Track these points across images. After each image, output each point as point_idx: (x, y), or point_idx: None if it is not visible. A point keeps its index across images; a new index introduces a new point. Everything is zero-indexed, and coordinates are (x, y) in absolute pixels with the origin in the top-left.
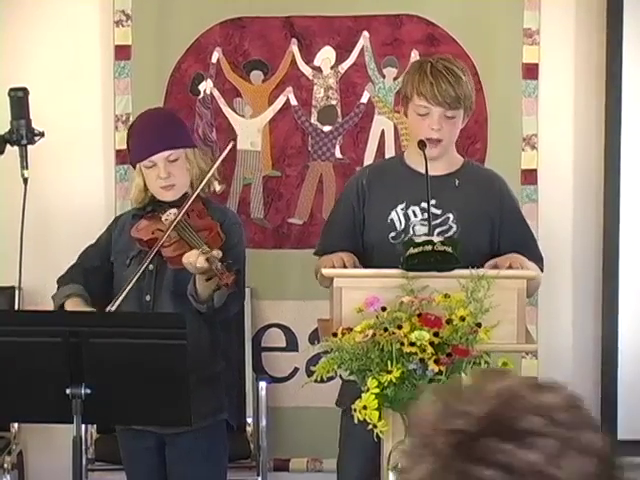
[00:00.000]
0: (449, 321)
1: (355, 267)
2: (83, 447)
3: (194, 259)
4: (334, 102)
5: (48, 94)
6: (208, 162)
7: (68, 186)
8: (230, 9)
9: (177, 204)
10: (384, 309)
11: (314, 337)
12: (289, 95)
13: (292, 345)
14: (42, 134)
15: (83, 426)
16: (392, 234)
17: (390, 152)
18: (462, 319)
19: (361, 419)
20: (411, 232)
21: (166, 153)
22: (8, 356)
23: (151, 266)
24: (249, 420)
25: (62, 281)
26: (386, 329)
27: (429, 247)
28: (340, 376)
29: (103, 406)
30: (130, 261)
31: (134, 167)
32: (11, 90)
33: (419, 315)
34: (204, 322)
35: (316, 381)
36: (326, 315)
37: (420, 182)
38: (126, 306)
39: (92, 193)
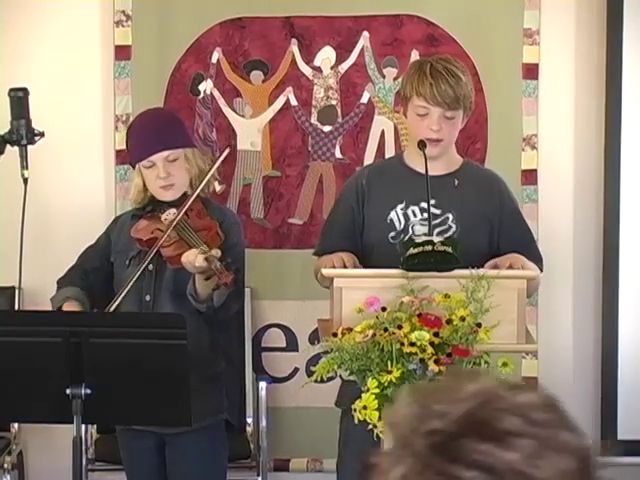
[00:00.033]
0: (449, 321)
1: (355, 267)
2: (83, 447)
3: (193, 258)
4: (334, 102)
5: (48, 94)
6: (207, 162)
7: (68, 186)
8: (230, 9)
9: (176, 204)
10: (384, 309)
11: (314, 337)
12: (289, 95)
13: (292, 345)
14: (42, 134)
15: (83, 426)
16: (391, 234)
17: (390, 152)
18: (462, 319)
19: (361, 419)
20: (410, 232)
21: (165, 153)
22: (8, 356)
23: (151, 266)
24: (249, 420)
25: (61, 283)
26: (386, 329)
27: (429, 247)
28: (340, 376)
29: (103, 406)
30: (129, 261)
31: (133, 167)
32: (11, 90)
33: (419, 315)
34: (204, 322)
35: (316, 381)
36: (326, 315)
37: (419, 182)
38: (126, 306)
39: (92, 193)
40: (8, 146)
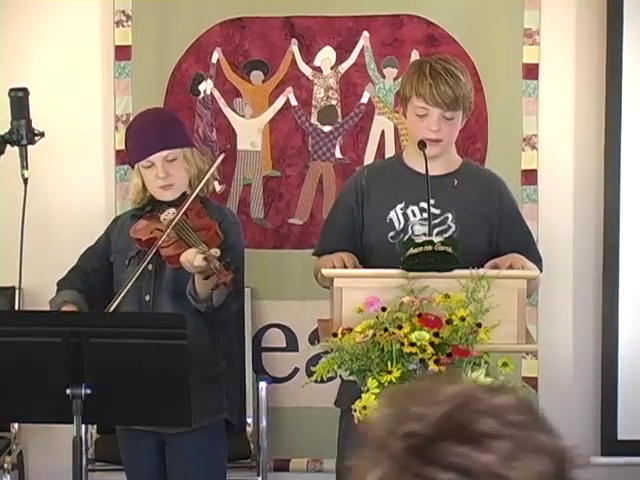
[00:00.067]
0: (449, 321)
1: (355, 267)
2: (83, 447)
3: (192, 257)
4: (334, 102)
5: (48, 94)
6: (206, 162)
7: (68, 186)
8: (230, 9)
9: (176, 204)
10: (384, 309)
11: (314, 337)
12: (289, 95)
13: (292, 345)
14: (42, 134)
15: (83, 426)
16: (391, 234)
17: (390, 152)
18: (462, 319)
19: (361, 419)
20: (410, 232)
21: (164, 153)
22: (8, 356)
23: (150, 266)
24: (249, 420)
25: (61, 285)
26: (386, 329)
27: (429, 247)
28: (340, 376)
29: (103, 406)
30: (129, 261)
31: (132, 167)
32: (11, 90)
33: (419, 315)
34: (204, 322)
35: (316, 381)
36: (326, 315)
37: (419, 182)
38: (125, 306)
39: (92, 193)
40: (8, 146)
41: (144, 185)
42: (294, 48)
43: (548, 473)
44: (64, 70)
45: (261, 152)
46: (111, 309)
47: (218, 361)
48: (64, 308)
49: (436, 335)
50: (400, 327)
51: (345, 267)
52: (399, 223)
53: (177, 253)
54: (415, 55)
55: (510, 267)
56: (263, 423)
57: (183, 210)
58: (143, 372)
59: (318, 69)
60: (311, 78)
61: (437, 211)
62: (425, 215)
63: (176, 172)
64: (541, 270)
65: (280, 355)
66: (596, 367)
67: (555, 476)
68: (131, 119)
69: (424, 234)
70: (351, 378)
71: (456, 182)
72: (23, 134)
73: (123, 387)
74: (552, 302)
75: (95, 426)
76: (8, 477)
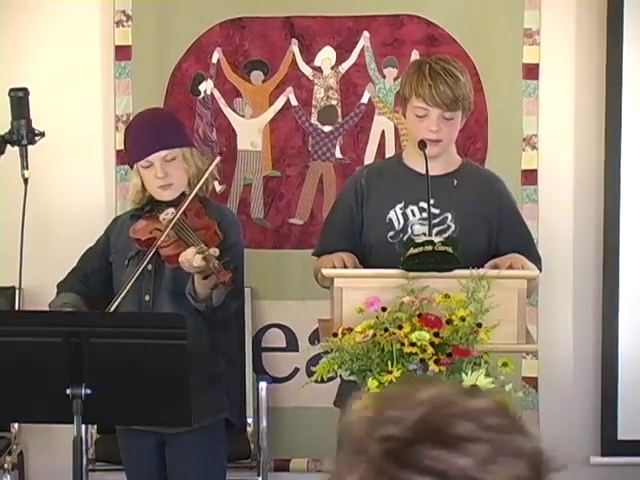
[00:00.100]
0: (449, 321)
1: (355, 267)
2: (83, 447)
3: (190, 256)
4: (334, 102)
5: (48, 94)
6: (205, 161)
7: (68, 186)
8: (230, 9)
9: (175, 203)
10: (384, 309)
11: (314, 337)
12: (289, 95)
13: (292, 345)
14: (42, 134)
15: (83, 426)
16: (390, 233)
17: (390, 152)
18: (462, 319)
19: None
20: (409, 231)
21: (163, 153)
22: (8, 356)
23: (150, 266)
24: (249, 420)
25: (61, 287)
26: (386, 329)
27: (429, 247)
28: (340, 376)
29: (103, 406)
30: (128, 261)
31: (131, 167)
32: (11, 90)
33: (419, 315)
34: (203, 321)
35: (316, 381)
36: (326, 315)
37: (418, 182)
38: (125, 306)
39: (92, 193)
40: (8, 146)
41: (143, 185)
42: (294, 48)
43: (525, 476)
44: (64, 70)
45: (261, 152)
46: (111, 309)
47: (218, 361)
48: None
49: (436, 335)
50: (400, 327)
51: (345, 267)
52: (398, 223)
53: (176, 253)
54: (415, 55)
55: (510, 267)
56: (263, 423)
57: (182, 210)
58: (143, 372)
59: (318, 69)
60: (311, 78)
61: (436, 211)
62: (424, 215)
63: (175, 172)
64: (540, 270)
65: (280, 355)
66: (596, 367)
67: (532, 479)
68: (131, 119)
69: (424, 234)
70: (351, 378)
71: (455, 182)
72: (23, 134)
73: (123, 387)
74: (552, 302)
75: (95, 426)
76: (8, 477)
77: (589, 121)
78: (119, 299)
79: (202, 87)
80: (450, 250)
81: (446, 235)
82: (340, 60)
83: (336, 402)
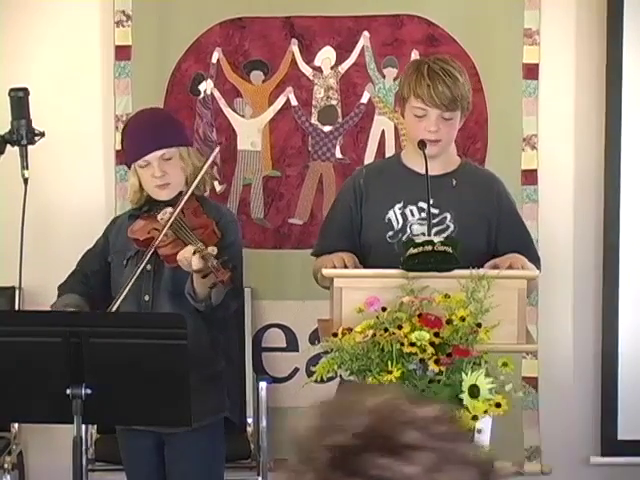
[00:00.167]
0: (449, 321)
1: (356, 267)
2: (83, 447)
3: (189, 256)
4: (334, 102)
5: (48, 94)
6: (203, 161)
7: (68, 186)
8: (230, 9)
9: (172, 203)
10: (384, 309)
11: (314, 337)
12: (289, 95)
13: (292, 345)
14: (42, 134)
15: (83, 426)
16: (389, 233)
17: (390, 152)
18: (462, 319)
19: None
20: (408, 231)
21: (159, 152)
22: (8, 356)
23: (149, 266)
24: (249, 420)
25: (62, 289)
26: (386, 329)
27: (429, 247)
28: (340, 376)
29: (103, 406)
30: (127, 262)
31: (129, 167)
32: (11, 90)
33: (419, 315)
34: (203, 321)
35: (316, 381)
36: (326, 315)
37: (417, 182)
38: (125, 307)
39: (92, 193)
40: (8, 146)
41: (141, 185)
42: (294, 48)
43: None
44: (64, 70)
45: (261, 152)
46: (113, 310)
47: (218, 360)
48: None
49: (436, 335)
50: (400, 327)
51: (345, 267)
52: (397, 223)
53: (175, 252)
54: (415, 55)
55: (510, 267)
56: (263, 423)
57: (179, 208)
58: (143, 372)
59: (318, 69)
60: (311, 78)
61: (436, 211)
62: (423, 215)
63: (172, 171)
64: (539, 270)
65: (280, 355)
66: (596, 367)
67: None
68: (128, 119)
69: (423, 234)
70: (351, 378)
71: (454, 182)
72: (23, 134)
73: (123, 387)
74: (552, 302)
75: (95, 426)
76: (8, 477)
77: (589, 121)
78: (120, 299)
79: (202, 87)
80: (450, 250)
81: (445, 235)
82: (340, 60)
83: None
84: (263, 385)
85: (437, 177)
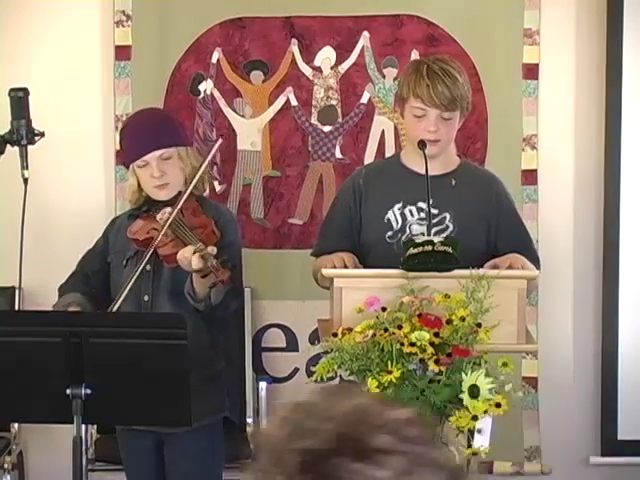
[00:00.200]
0: (449, 321)
1: (355, 267)
2: (83, 447)
3: (188, 255)
4: (334, 102)
5: (48, 94)
6: (202, 160)
7: (68, 186)
8: (230, 9)
9: (171, 203)
10: (384, 309)
11: (314, 337)
12: (289, 95)
13: (292, 345)
14: (42, 134)
15: (83, 426)
16: (389, 233)
17: (390, 152)
18: (462, 319)
19: None
20: (408, 231)
21: (158, 152)
22: (8, 356)
23: (148, 266)
24: (249, 420)
25: (63, 289)
26: (386, 329)
27: (429, 247)
28: (340, 376)
29: (103, 406)
30: (127, 262)
31: (127, 168)
32: (11, 90)
33: (419, 315)
34: (203, 321)
35: (316, 381)
36: (326, 315)
37: (417, 182)
38: (125, 307)
39: (92, 193)
40: (8, 146)
41: (139, 185)
42: (294, 48)
43: None
44: (64, 70)
45: (261, 152)
46: (114, 310)
47: (218, 360)
48: (69, 310)
49: (436, 335)
50: (400, 327)
51: (345, 267)
52: (397, 223)
53: (174, 252)
54: (415, 55)
55: (510, 267)
56: (263, 423)
57: (178, 208)
58: (143, 372)
59: (318, 69)
60: (311, 78)
61: (435, 211)
62: (423, 215)
63: (171, 171)
64: (538, 270)
65: (280, 355)
66: (596, 367)
67: None
68: (126, 120)
69: (422, 234)
70: (351, 378)
71: (454, 182)
72: (23, 134)
73: (123, 387)
74: (552, 302)
75: (95, 426)
76: (8, 477)
77: (589, 121)
78: (120, 299)
79: (202, 87)
80: (450, 250)
81: (445, 235)
82: (340, 60)
83: None
84: (263, 385)
85: (437, 177)
